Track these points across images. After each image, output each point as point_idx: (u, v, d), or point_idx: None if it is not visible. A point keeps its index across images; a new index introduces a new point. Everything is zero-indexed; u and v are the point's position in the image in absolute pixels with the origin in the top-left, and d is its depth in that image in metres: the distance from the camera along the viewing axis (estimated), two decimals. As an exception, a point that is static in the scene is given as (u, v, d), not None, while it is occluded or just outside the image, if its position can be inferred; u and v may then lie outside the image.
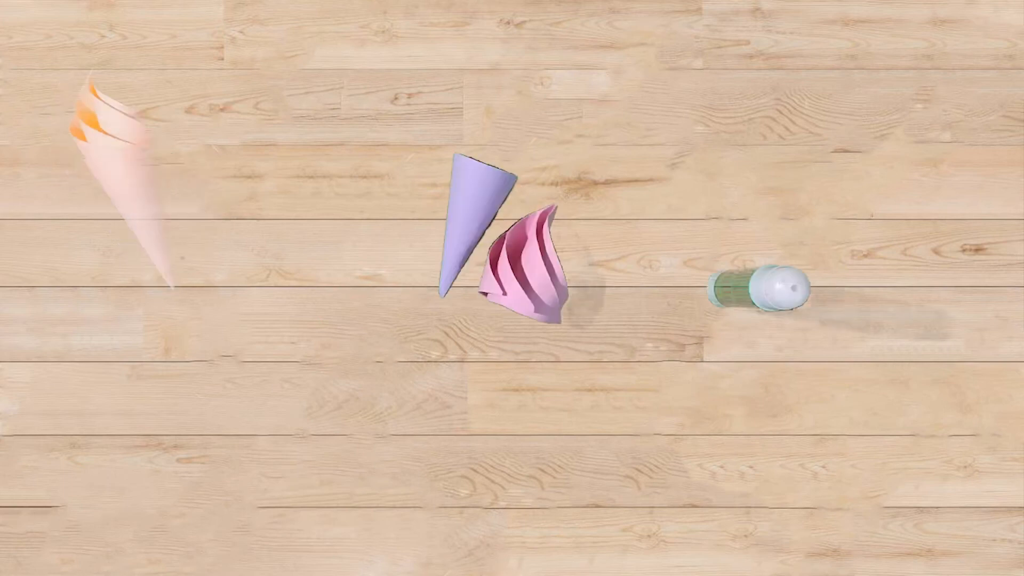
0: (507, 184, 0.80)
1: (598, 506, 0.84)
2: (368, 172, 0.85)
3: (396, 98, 0.85)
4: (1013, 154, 0.84)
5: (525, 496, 0.84)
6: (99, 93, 0.81)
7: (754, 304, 0.70)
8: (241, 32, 0.85)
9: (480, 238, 0.82)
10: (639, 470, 0.84)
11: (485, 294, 0.60)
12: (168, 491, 0.84)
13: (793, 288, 0.66)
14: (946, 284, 0.84)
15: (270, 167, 0.84)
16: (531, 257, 0.57)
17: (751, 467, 0.84)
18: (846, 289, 0.84)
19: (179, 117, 0.85)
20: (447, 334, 0.84)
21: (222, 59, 0.85)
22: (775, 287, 0.66)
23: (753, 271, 0.71)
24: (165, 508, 0.84)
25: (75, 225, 0.84)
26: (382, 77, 0.85)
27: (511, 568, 0.84)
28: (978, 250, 0.84)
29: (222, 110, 0.85)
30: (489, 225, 0.81)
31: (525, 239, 0.59)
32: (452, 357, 0.84)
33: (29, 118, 0.85)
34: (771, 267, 0.69)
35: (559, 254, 0.84)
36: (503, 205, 0.84)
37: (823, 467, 0.84)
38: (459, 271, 0.83)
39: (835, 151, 0.85)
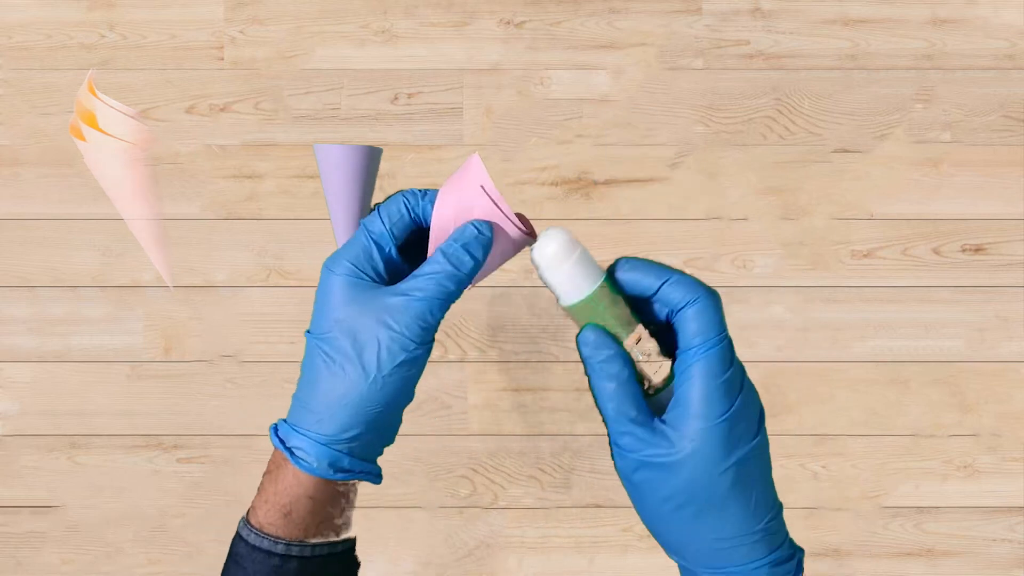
0: (370, 157, 0.78)
1: (598, 506, 0.84)
2: (368, 172, 0.85)
3: (396, 98, 0.85)
4: (1013, 154, 0.84)
5: (525, 496, 0.84)
6: (98, 93, 0.81)
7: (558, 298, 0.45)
8: (241, 32, 0.85)
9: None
10: (639, 470, 0.84)
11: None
12: (168, 491, 0.84)
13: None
14: (946, 284, 0.84)
15: (270, 167, 0.84)
16: (488, 213, 0.46)
17: (751, 467, 0.84)
18: (846, 289, 0.84)
19: (179, 117, 0.85)
20: (447, 334, 0.84)
21: (222, 59, 0.85)
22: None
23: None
24: (165, 508, 0.84)
25: (75, 225, 0.84)
26: (382, 77, 0.85)
27: (511, 568, 0.84)
28: (978, 250, 0.84)
29: (222, 110, 0.85)
30: (371, 202, 0.80)
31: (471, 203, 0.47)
32: (452, 357, 0.84)
33: (29, 118, 0.84)
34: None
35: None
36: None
37: (823, 467, 0.84)
38: None
39: (835, 151, 0.85)
